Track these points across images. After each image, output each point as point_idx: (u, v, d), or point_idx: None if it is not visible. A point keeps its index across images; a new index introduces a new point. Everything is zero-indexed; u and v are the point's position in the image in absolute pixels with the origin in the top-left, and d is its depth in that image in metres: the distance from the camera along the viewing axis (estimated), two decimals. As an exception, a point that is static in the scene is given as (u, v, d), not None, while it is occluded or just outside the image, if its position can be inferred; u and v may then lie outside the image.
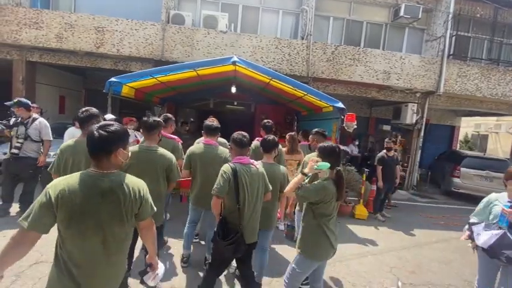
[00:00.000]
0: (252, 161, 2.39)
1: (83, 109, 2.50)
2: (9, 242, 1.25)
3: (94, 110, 2.52)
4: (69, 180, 1.32)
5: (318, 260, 2.22)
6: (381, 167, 5.45)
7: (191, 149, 3.05)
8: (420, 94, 8.26)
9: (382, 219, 5.48)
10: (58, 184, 1.30)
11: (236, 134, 2.40)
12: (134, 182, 1.47)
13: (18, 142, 3.93)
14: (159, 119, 2.69)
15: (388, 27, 8.59)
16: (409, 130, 8.69)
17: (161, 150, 2.53)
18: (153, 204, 1.55)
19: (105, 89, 4.38)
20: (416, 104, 8.21)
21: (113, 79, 4.36)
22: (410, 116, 8.16)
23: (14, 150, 3.92)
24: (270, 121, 4.01)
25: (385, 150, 5.61)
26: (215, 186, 2.22)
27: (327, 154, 2.16)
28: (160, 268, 1.73)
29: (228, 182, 2.20)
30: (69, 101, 9.27)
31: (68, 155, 2.27)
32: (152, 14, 7.31)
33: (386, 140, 5.77)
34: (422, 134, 8.43)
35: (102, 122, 1.49)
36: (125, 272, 1.55)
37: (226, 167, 2.27)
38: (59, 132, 6.15)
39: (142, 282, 1.99)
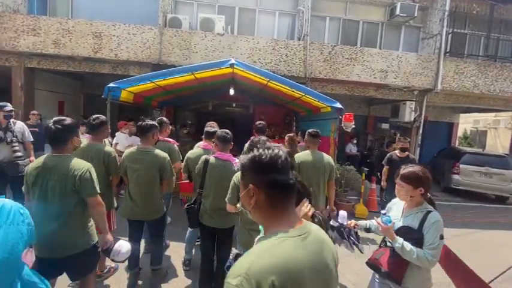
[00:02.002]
0: (231, 158, 2.62)
1: (94, 116, 2.73)
2: None
3: (104, 117, 2.77)
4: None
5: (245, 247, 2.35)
6: (387, 167, 5.12)
7: (188, 154, 3.12)
8: (418, 92, 8.29)
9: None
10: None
11: (220, 132, 2.65)
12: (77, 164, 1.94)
13: (15, 146, 3.94)
14: (152, 122, 2.81)
15: (384, 26, 8.62)
16: (407, 128, 8.71)
17: (155, 151, 2.72)
18: (95, 186, 1.95)
19: (103, 94, 4.40)
20: (414, 102, 8.24)
21: (111, 84, 4.38)
22: (408, 113, 8.19)
23: (18, 154, 3.95)
24: (262, 122, 4.03)
25: (397, 151, 5.15)
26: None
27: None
28: (124, 245, 2.07)
29: (199, 170, 2.63)
30: (68, 106, 9.30)
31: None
32: (149, 18, 7.34)
33: (400, 138, 5.31)
34: (421, 131, 8.46)
35: (56, 118, 1.95)
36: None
37: (202, 158, 2.66)
38: (43, 138, 6.20)
39: (113, 260, 2.11)
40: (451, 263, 1.94)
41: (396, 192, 1.90)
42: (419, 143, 8.53)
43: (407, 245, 1.71)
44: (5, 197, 3.39)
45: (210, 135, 3.12)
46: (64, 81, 9.01)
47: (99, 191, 1.99)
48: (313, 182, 3.16)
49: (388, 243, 1.87)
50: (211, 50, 7.12)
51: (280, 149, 0.89)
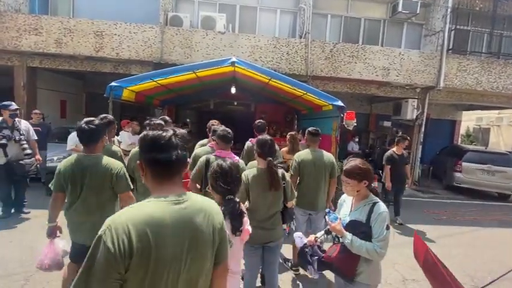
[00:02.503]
0: (232, 156, 2.62)
1: (101, 116, 2.76)
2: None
3: (111, 117, 2.85)
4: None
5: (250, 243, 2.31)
6: (389, 166, 5.02)
7: (197, 151, 3.11)
8: (420, 89, 8.25)
9: (400, 221, 5.15)
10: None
11: (221, 130, 2.67)
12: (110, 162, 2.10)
13: (24, 144, 3.99)
14: (159, 121, 2.88)
15: (386, 23, 8.56)
16: (409, 126, 8.68)
17: None
18: (129, 183, 2.11)
19: (105, 93, 4.42)
20: (416, 100, 8.20)
21: (113, 83, 4.39)
22: (410, 111, 8.15)
23: (28, 151, 4.01)
24: (262, 121, 4.02)
25: (394, 148, 5.14)
26: (192, 172, 2.65)
27: (260, 145, 2.34)
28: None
29: (200, 169, 2.59)
30: (70, 105, 9.34)
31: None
32: (150, 17, 7.34)
33: (400, 135, 5.29)
34: (423, 129, 8.43)
35: (86, 119, 2.10)
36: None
37: (202, 158, 2.64)
38: (60, 136, 6.23)
39: None
40: (431, 266, 1.91)
41: (343, 189, 1.89)
42: (422, 140, 8.49)
43: (356, 240, 1.72)
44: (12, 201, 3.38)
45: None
46: (66, 81, 9.05)
47: (132, 187, 2.21)
48: (313, 180, 3.15)
49: (341, 240, 1.85)
50: (213, 48, 7.11)
51: (167, 131, 1.02)
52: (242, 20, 8.12)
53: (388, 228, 1.72)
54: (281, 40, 7.40)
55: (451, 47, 8.14)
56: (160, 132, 1.01)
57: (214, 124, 3.56)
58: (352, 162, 1.82)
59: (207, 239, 1.03)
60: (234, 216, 1.58)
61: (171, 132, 1.02)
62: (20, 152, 4.00)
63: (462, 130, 14.38)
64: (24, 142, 4.03)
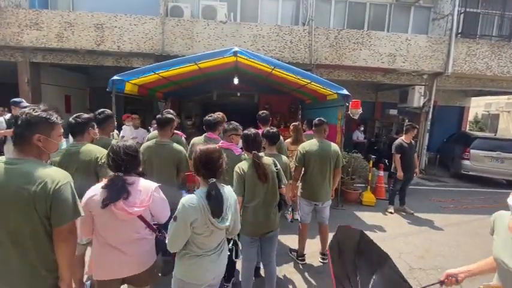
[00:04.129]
0: (233, 147, 2.68)
1: (100, 110, 2.79)
2: None
3: (109, 111, 2.84)
4: None
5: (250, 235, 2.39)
6: (399, 155, 4.91)
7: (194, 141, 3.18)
8: (427, 76, 8.04)
9: (410, 211, 5.12)
10: None
11: (226, 124, 2.79)
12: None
13: None
14: (170, 116, 2.88)
15: (392, 7, 8.29)
16: (416, 113, 8.52)
17: (173, 144, 2.80)
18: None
19: (108, 87, 4.40)
20: (423, 86, 8.01)
21: (115, 77, 4.37)
22: (417, 98, 7.98)
23: None
24: (266, 112, 3.98)
25: (403, 137, 5.01)
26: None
27: (244, 140, 2.42)
28: None
29: None
30: (75, 99, 9.38)
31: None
32: (151, 8, 7.22)
33: (409, 124, 5.15)
34: (430, 116, 8.26)
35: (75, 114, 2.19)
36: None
37: None
38: (66, 131, 6.29)
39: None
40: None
41: None
42: (429, 128, 8.35)
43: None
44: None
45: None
46: (70, 75, 9.05)
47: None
48: (318, 171, 3.13)
49: None
50: (214, 38, 7.00)
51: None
52: (244, 9, 7.94)
53: (175, 219, 1.59)
54: (284, 28, 7.24)
55: (460, 30, 7.87)
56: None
57: (219, 117, 3.53)
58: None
59: (11, 199, 1.22)
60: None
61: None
62: None
63: (470, 117, 14.07)
64: None
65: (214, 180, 1.63)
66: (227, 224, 1.64)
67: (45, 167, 1.35)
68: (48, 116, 1.39)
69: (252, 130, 2.44)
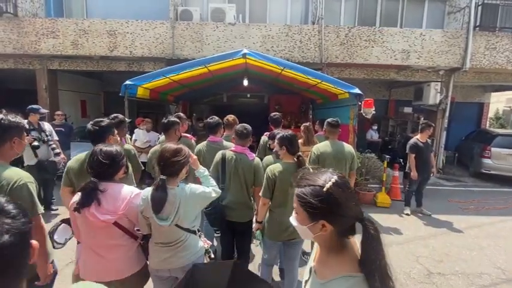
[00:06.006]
0: (247, 151, 2.62)
1: (112, 115, 2.87)
2: None
3: (121, 116, 2.93)
4: None
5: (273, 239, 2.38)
6: (413, 155, 4.75)
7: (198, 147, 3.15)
8: (444, 72, 7.75)
9: (428, 212, 4.93)
10: None
11: (239, 126, 2.68)
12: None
13: (52, 144, 4.19)
14: (174, 119, 2.90)
15: (405, 2, 8.04)
16: (432, 111, 8.23)
17: None
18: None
19: (121, 92, 4.49)
20: (439, 83, 7.72)
21: (127, 82, 4.45)
22: (433, 95, 7.70)
23: (57, 150, 4.22)
24: (277, 114, 3.95)
25: (418, 136, 4.83)
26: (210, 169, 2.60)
27: (288, 141, 2.30)
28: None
29: (216, 165, 2.60)
30: (90, 104, 9.66)
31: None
32: (161, 13, 7.33)
33: (425, 122, 4.97)
34: (447, 114, 7.96)
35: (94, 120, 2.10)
36: None
37: (218, 154, 2.63)
38: (82, 135, 6.47)
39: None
40: None
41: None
42: (446, 126, 8.05)
43: None
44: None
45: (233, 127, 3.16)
46: (85, 81, 9.33)
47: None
48: (333, 173, 3.06)
49: None
50: (223, 40, 7.02)
51: None
52: (252, 10, 7.92)
53: None
54: (293, 28, 7.17)
55: (478, 23, 7.53)
56: None
57: (230, 119, 3.54)
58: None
59: None
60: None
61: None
62: (48, 152, 4.20)
63: (491, 113, 13.44)
64: (52, 142, 4.23)
65: (164, 178, 1.67)
66: (168, 223, 1.67)
67: (5, 168, 1.46)
68: (20, 121, 1.57)
69: (291, 132, 2.40)
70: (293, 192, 0.84)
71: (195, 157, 1.99)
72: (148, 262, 1.81)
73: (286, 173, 2.22)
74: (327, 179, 0.86)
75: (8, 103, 4.28)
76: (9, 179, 1.42)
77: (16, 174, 1.46)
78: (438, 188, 6.83)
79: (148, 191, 1.70)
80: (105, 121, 2.24)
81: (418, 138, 4.84)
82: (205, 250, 1.89)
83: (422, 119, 7.55)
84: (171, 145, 1.77)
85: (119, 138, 2.68)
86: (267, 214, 2.37)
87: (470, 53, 7.20)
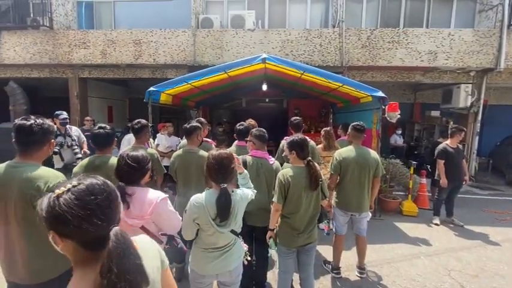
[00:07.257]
0: (267, 156, 2.62)
1: (136, 121, 2.97)
2: None
3: (144, 121, 3.00)
4: None
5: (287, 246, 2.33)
6: (443, 161, 4.50)
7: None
8: (475, 73, 7.31)
9: (460, 223, 4.62)
10: None
11: (256, 130, 2.66)
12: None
13: (75, 149, 4.38)
14: (196, 124, 2.94)
15: (431, 1, 7.72)
16: (462, 114, 7.76)
17: (199, 152, 2.83)
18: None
19: (145, 98, 4.66)
20: (470, 85, 7.28)
21: (151, 88, 4.61)
22: (463, 98, 7.27)
23: (79, 155, 4.41)
24: (298, 118, 3.88)
25: (448, 141, 4.58)
26: None
27: (298, 146, 2.26)
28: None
29: None
30: (116, 110, 10.13)
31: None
32: (183, 21, 7.59)
33: (456, 126, 4.67)
34: (479, 117, 7.47)
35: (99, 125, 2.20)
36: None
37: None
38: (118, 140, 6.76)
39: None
40: None
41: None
42: (478, 131, 7.55)
43: None
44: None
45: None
46: (111, 88, 9.81)
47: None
48: (356, 179, 2.94)
49: None
50: (243, 46, 7.10)
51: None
52: (272, 15, 7.97)
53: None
54: (313, 32, 7.11)
55: (512, 21, 7.05)
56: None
57: (251, 124, 3.55)
58: None
59: (17, 198, 1.43)
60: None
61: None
62: (73, 156, 4.42)
63: (529, 116, 12.41)
64: (76, 147, 4.41)
65: (225, 185, 1.66)
66: (228, 229, 1.67)
67: (41, 169, 1.54)
68: (52, 125, 1.69)
69: (301, 136, 2.38)
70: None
71: (240, 160, 2.01)
72: (190, 268, 1.80)
73: (299, 177, 2.19)
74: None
75: (44, 110, 4.54)
76: (46, 179, 1.48)
77: (53, 174, 1.54)
78: (471, 196, 6.38)
79: (200, 198, 1.67)
80: (108, 127, 2.38)
81: (447, 143, 4.57)
82: (245, 253, 1.91)
83: (451, 123, 7.13)
84: (220, 151, 1.75)
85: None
86: (279, 220, 2.33)
87: (504, 52, 6.74)
